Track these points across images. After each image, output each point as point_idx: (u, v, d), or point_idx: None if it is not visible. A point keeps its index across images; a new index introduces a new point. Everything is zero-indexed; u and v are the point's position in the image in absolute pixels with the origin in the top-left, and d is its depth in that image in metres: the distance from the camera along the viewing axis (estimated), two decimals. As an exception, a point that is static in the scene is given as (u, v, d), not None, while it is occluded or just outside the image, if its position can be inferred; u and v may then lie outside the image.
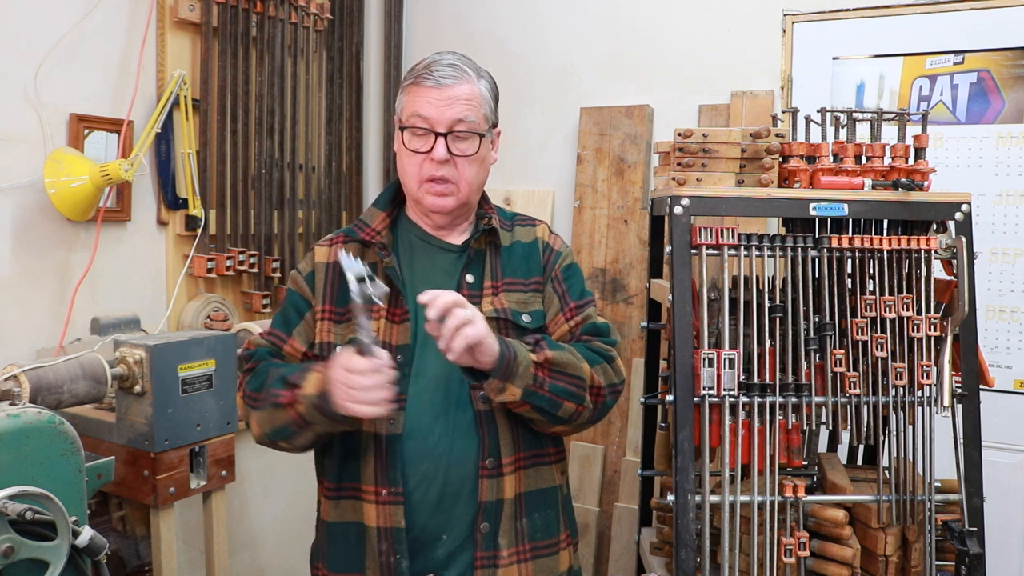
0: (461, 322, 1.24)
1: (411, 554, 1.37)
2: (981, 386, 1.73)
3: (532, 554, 1.42)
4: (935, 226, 1.76)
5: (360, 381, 1.22)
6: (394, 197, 1.52)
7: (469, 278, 1.44)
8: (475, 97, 1.40)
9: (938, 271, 1.77)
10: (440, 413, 1.39)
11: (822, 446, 2.02)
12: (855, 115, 1.84)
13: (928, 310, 1.70)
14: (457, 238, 1.50)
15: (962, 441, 1.70)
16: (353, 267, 1.24)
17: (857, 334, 1.69)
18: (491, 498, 1.38)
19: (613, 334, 1.51)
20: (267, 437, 1.41)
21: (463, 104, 1.38)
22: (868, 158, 1.81)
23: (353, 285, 1.23)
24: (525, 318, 1.44)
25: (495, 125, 1.48)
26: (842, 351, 1.68)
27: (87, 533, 1.32)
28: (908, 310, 1.69)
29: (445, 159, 1.38)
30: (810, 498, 1.71)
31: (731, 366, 1.65)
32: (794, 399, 1.67)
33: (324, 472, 1.47)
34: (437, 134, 1.38)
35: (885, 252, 1.71)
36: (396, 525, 1.36)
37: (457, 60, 1.42)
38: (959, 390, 1.71)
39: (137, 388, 1.89)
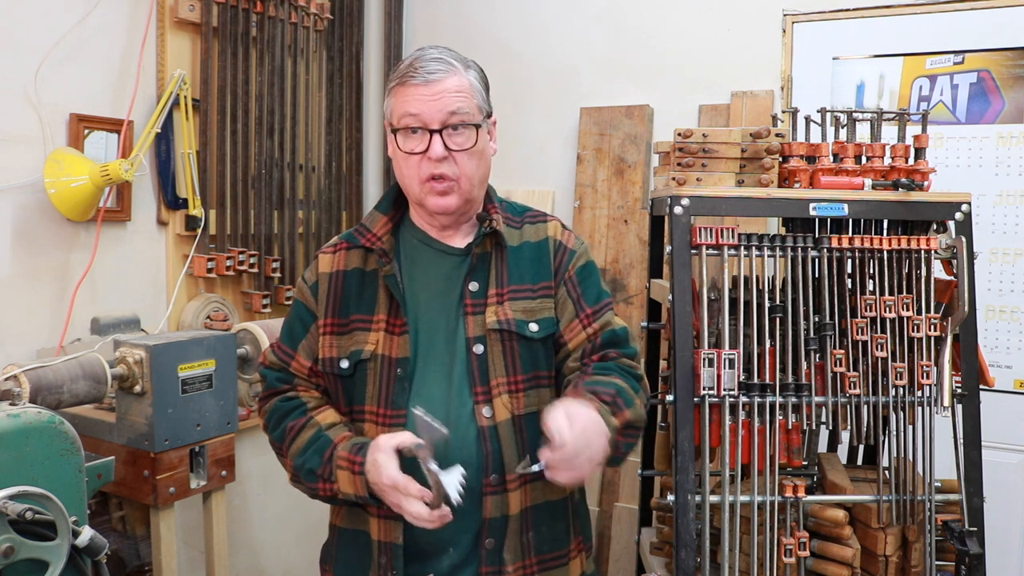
0: (586, 472, 1.20)
1: (416, 565, 1.36)
2: (981, 386, 1.73)
3: (539, 567, 1.39)
4: (935, 226, 1.76)
5: (408, 508, 1.23)
6: (396, 199, 1.47)
7: (473, 286, 1.39)
8: (465, 88, 1.34)
9: (938, 271, 1.77)
10: None
11: (822, 446, 2.02)
12: (855, 115, 1.84)
13: (928, 310, 1.70)
14: (461, 240, 1.43)
15: (962, 441, 1.70)
16: (451, 480, 1.21)
17: (857, 334, 1.69)
18: (496, 515, 1.35)
19: (632, 341, 1.45)
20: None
21: (453, 96, 1.32)
22: (868, 158, 1.81)
23: (442, 478, 1.21)
24: (532, 327, 1.38)
25: (490, 115, 1.41)
26: (842, 351, 1.68)
27: (87, 533, 1.31)
28: (908, 310, 1.69)
29: (443, 155, 1.32)
30: (810, 498, 1.71)
31: (731, 366, 1.65)
32: (794, 399, 1.67)
33: None
34: (431, 131, 1.31)
35: (885, 252, 1.71)
36: (395, 540, 1.35)
37: (441, 53, 1.35)
38: (959, 390, 1.71)
39: (137, 388, 1.88)
